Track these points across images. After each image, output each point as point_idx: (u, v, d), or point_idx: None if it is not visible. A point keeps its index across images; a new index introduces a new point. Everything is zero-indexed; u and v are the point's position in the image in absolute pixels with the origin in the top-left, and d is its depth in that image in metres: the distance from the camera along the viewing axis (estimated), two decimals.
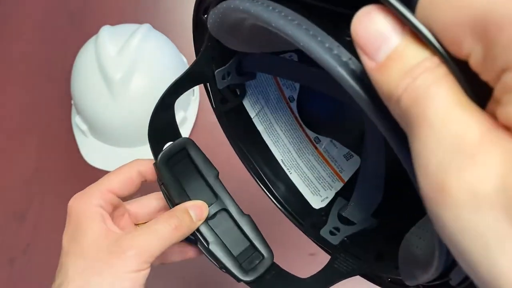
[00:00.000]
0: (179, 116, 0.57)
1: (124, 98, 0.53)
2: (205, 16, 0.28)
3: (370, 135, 0.33)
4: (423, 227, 0.24)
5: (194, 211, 0.32)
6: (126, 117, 0.55)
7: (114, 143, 0.58)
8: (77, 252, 0.29)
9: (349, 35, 0.16)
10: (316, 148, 0.38)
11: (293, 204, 0.36)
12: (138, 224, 0.35)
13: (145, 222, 0.34)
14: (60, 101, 0.61)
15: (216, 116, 0.35)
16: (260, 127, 0.37)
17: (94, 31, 0.55)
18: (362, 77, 0.16)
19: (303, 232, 0.33)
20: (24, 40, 0.66)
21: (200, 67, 0.32)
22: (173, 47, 0.59)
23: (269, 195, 0.36)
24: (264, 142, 0.37)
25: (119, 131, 0.56)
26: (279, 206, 0.36)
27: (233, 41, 0.28)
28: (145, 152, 0.63)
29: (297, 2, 0.20)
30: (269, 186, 0.36)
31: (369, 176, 0.34)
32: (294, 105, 0.38)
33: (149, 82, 0.54)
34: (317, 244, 0.33)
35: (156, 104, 0.31)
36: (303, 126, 0.38)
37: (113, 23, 0.57)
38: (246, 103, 0.37)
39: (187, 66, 0.61)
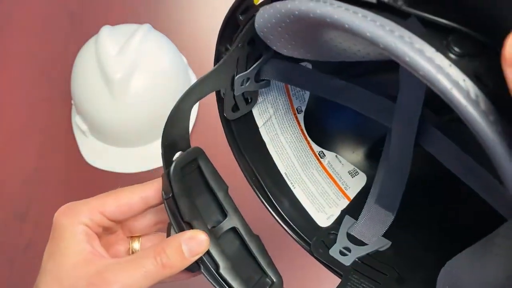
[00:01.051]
0: None
1: (124, 98, 0.53)
2: (242, 15, 0.28)
3: (396, 152, 0.32)
4: (481, 252, 0.23)
5: (190, 245, 0.28)
6: (126, 117, 0.55)
7: (114, 143, 0.58)
8: (54, 274, 0.27)
9: (458, 53, 0.16)
10: (320, 162, 0.37)
11: (298, 221, 0.34)
12: (132, 237, 0.33)
13: (139, 236, 0.33)
14: (60, 101, 0.61)
15: (223, 125, 0.34)
16: (266, 138, 0.36)
17: (94, 31, 0.55)
18: (478, 100, 0.17)
19: (309, 252, 0.31)
20: (24, 40, 0.66)
21: (223, 70, 0.31)
22: (173, 47, 0.59)
23: (272, 210, 0.35)
24: (269, 153, 0.36)
25: (119, 131, 0.56)
26: (282, 223, 0.34)
27: (285, 43, 0.27)
28: (145, 152, 0.64)
29: (389, 10, 0.19)
30: (272, 201, 0.35)
31: (382, 194, 0.34)
32: (301, 117, 0.37)
33: (149, 82, 0.54)
34: (325, 266, 0.32)
35: (171, 112, 0.29)
36: (309, 139, 0.38)
37: (113, 23, 0.57)
38: (255, 112, 0.36)
39: (187, 66, 0.61)
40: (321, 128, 0.39)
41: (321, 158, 0.38)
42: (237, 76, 0.32)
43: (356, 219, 0.35)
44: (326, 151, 0.38)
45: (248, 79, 0.33)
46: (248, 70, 0.32)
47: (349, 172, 0.38)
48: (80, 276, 0.26)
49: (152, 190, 0.30)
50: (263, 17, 0.25)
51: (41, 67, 0.64)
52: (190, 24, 0.67)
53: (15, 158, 0.58)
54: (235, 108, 0.34)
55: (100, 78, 0.53)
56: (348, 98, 0.32)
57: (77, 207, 0.29)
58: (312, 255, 0.31)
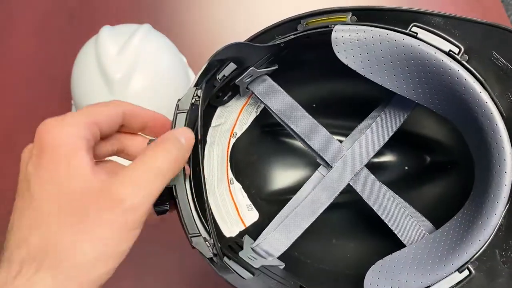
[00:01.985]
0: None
1: (124, 98, 0.52)
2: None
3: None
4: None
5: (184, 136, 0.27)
6: None
7: None
8: (60, 201, 0.22)
9: None
10: (229, 187, 0.42)
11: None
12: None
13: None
14: (60, 101, 0.61)
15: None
16: (208, 139, 0.40)
17: (94, 31, 0.55)
18: None
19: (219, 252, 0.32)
20: (24, 40, 0.66)
21: (262, 49, 0.34)
22: (173, 47, 0.59)
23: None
24: (204, 153, 0.39)
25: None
26: None
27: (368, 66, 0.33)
28: None
29: None
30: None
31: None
32: (232, 141, 0.42)
33: (149, 82, 0.54)
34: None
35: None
36: (229, 162, 0.41)
37: (113, 23, 0.57)
38: (217, 112, 0.39)
39: (187, 66, 0.63)
40: (237, 161, 0.44)
41: (230, 183, 0.42)
42: (252, 67, 0.36)
43: (254, 240, 0.39)
44: (235, 180, 0.43)
45: (251, 76, 0.36)
46: (261, 70, 0.36)
47: (246, 206, 0.43)
48: (90, 197, 0.22)
49: (130, 109, 0.29)
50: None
51: (41, 67, 0.64)
52: (190, 24, 0.67)
53: (15, 158, 0.59)
54: (221, 95, 0.38)
55: (100, 78, 0.53)
56: (302, 127, 0.37)
57: (73, 121, 0.24)
58: (224, 254, 0.33)
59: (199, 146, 0.30)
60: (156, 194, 0.24)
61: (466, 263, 0.30)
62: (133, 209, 0.23)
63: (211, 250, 0.31)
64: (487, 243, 0.30)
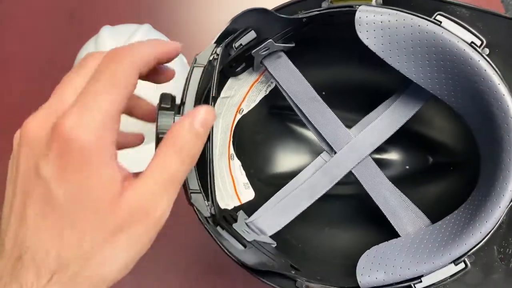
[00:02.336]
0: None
1: None
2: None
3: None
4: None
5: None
6: (125, 117, 0.55)
7: None
8: (93, 213, 0.21)
9: None
10: (229, 162, 0.41)
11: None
12: None
13: None
14: None
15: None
16: (216, 110, 0.40)
17: (94, 31, 0.55)
18: None
19: (213, 221, 0.32)
20: (24, 39, 0.66)
21: (281, 20, 0.34)
22: None
23: None
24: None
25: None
26: None
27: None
28: (145, 151, 0.63)
29: None
30: None
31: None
32: (238, 117, 0.42)
33: (149, 82, 0.54)
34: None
35: None
36: (231, 138, 0.41)
37: (113, 23, 0.57)
38: (228, 83, 0.39)
39: (187, 66, 0.62)
40: (240, 138, 0.44)
41: (231, 159, 0.42)
42: (270, 39, 0.36)
43: (249, 216, 0.39)
44: (236, 157, 0.43)
45: (267, 49, 0.36)
46: (278, 44, 0.36)
47: (243, 184, 0.43)
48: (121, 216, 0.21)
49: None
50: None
51: (41, 67, 0.64)
52: (190, 24, 0.67)
53: None
54: (236, 64, 0.38)
55: None
56: (311, 108, 0.37)
57: (96, 113, 0.21)
58: (217, 224, 0.32)
59: (212, 103, 0.30)
60: (175, 196, 0.24)
61: (464, 254, 0.30)
62: (160, 219, 0.23)
63: (208, 209, 0.30)
64: (486, 238, 0.30)
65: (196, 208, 0.30)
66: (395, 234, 0.37)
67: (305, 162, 0.47)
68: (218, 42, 0.31)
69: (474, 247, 0.30)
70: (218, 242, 0.31)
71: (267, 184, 0.46)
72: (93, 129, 0.21)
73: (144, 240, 0.23)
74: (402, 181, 0.45)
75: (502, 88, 0.29)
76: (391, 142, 0.41)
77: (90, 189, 0.21)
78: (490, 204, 0.29)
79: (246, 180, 0.44)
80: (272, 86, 0.44)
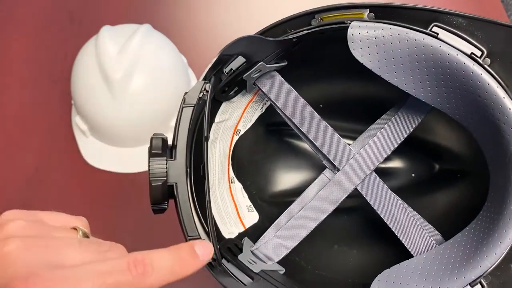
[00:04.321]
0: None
1: (124, 98, 0.53)
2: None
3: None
4: None
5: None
6: (126, 117, 0.55)
7: (114, 143, 0.58)
8: None
9: None
10: (230, 186, 0.40)
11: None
12: None
13: None
14: (60, 101, 0.61)
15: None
16: (212, 135, 0.38)
17: (94, 31, 0.55)
18: None
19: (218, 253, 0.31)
20: (24, 40, 0.65)
21: (271, 45, 0.33)
22: (173, 47, 0.59)
23: None
24: (207, 149, 0.38)
25: (119, 131, 0.56)
26: None
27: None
28: (145, 152, 0.62)
29: None
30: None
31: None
32: (235, 138, 0.40)
33: (149, 82, 0.54)
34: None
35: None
36: (230, 160, 0.40)
37: (113, 23, 0.57)
38: (221, 108, 0.38)
39: (187, 66, 0.62)
40: (239, 159, 0.42)
41: (231, 182, 0.41)
42: (261, 62, 0.35)
43: (254, 243, 0.38)
44: (237, 180, 0.42)
45: (259, 71, 0.35)
46: (270, 65, 0.34)
47: (247, 206, 0.41)
48: None
49: None
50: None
51: (41, 67, 0.63)
52: (190, 24, 0.66)
53: (15, 158, 0.58)
54: (228, 89, 0.37)
55: (100, 78, 0.53)
56: (309, 126, 0.36)
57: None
58: (222, 257, 0.31)
59: (204, 144, 0.29)
60: None
61: (480, 276, 0.29)
62: None
63: None
64: (502, 257, 0.29)
65: None
66: (406, 249, 0.36)
67: (308, 177, 0.46)
68: (206, 77, 0.30)
69: (489, 268, 0.28)
70: (223, 284, 0.30)
71: (270, 204, 0.44)
72: None
73: None
74: (409, 190, 0.44)
75: (508, 102, 0.27)
76: (395, 151, 0.39)
77: None
78: (504, 223, 0.28)
79: (249, 203, 0.43)
80: (268, 103, 0.43)
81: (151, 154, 0.27)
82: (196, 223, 0.29)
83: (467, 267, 0.29)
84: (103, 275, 0.21)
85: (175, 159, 0.27)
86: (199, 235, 0.28)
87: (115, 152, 0.58)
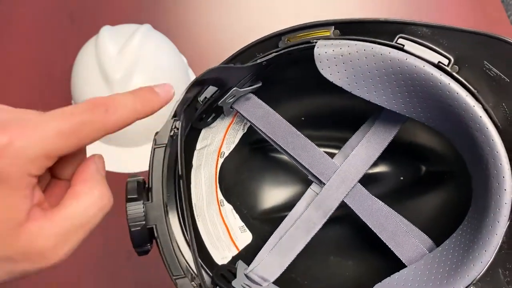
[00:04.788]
0: None
1: None
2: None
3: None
4: None
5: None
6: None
7: (114, 143, 0.58)
8: None
9: None
10: (219, 209, 0.40)
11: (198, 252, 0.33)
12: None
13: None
14: (60, 101, 0.61)
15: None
16: (194, 163, 0.38)
17: (94, 31, 0.55)
18: None
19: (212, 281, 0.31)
20: (24, 40, 0.66)
21: (241, 71, 0.33)
22: (173, 47, 0.59)
23: None
24: (190, 179, 0.38)
25: (119, 131, 0.56)
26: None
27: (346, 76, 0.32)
28: (145, 151, 0.63)
29: None
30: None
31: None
32: (220, 161, 0.40)
33: (149, 82, 0.51)
34: None
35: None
36: (218, 183, 0.40)
37: (113, 23, 0.57)
38: (201, 134, 0.38)
39: (187, 66, 0.61)
40: (227, 181, 0.42)
41: (221, 205, 0.40)
42: (234, 87, 0.35)
43: (248, 265, 0.38)
44: (226, 202, 0.42)
45: (233, 96, 0.35)
46: (244, 89, 0.34)
47: (239, 227, 0.41)
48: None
49: None
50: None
51: (41, 67, 0.64)
52: (190, 24, 0.66)
53: None
54: (205, 117, 0.37)
55: (100, 78, 0.52)
56: (290, 143, 0.36)
57: (25, 149, 0.20)
58: (216, 285, 0.31)
59: (181, 182, 0.28)
60: (79, 242, 0.23)
61: (468, 285, 0.29)
62: (54, 264, 0.22)
63: None
64: (489, 263, 0.29)
65: None
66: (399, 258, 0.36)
67: (297, 191, 0.46)
68: (176, 114, 0.30)
69: (477, 277, 0.28)
70: None
71: (262, 222, 0.44)
72: (15, 166, 0.20)
73: (26, 275, 0.21)
74: (398, 195, 0.44)
75: (478, 110, 0.27)
76: (381, 155, 0.39)
77: None
78: (486, 231, 0.28)
79: (241, 223, 0.43)
80: (249, 123, 0.43)
81: (127, 199, 0.27)
82: (181, 262, 0.28)
83: (455, 276, 0.29)
84: (68, 115, 0.22)
85: (152, 202, 0.27)
86: (185, 274, 0.28)
87: (115, 152, 0.58)
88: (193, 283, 0.28)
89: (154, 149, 0.28)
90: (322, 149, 0.39)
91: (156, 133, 0.29)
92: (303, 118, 0.44)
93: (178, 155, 0.29)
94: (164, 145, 0.28)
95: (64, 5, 0.67)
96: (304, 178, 0.46)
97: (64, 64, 0.60)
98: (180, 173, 0.28)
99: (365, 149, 0.38)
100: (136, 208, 0.27)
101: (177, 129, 0.29)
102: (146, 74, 0.53)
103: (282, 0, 0.67)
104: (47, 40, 0.66)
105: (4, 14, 0.67)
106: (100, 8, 0.67)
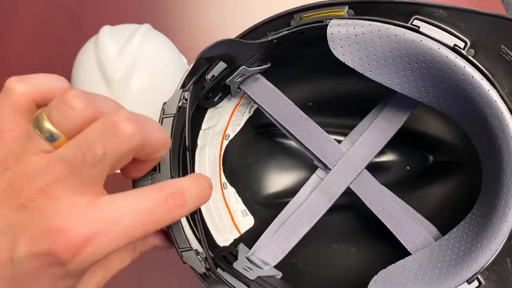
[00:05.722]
0: None
1: (124, 98, 0.52)
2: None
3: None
4: None
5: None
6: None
7: None
8: None
9: None
10: (222, 192, 0.40)
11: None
12: None
13: None
14: None
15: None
16: (199, 142, 0.38)
17: (94, 31, 0.54)
18: None
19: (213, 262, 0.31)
20: (24, 40, 0.65)
21: (251, 47, 0.32)
22: (173, 47, 0.58)
23: None
24: (194, 158, 0.37)
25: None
26: None
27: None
28: None
29: None
30: None
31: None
32: (225, 143, 0.40)
33: (149, 82, 0.53)
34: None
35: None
36: (221, 166, 0.40)
37: (113, 23, 0.56)
38: (207, 114, 0.37)
39: (187, 66, 0.61)
40: (229, 162, 0.42)
41: (224, 188, 0.40)
42: (246, 65, 0.34)
43: (250, 248, 0.37)
44: (229, 185, 0.41)
45: (242, 75, 0.34)
46: (253, 68, 0.34)
47: (241, 211, 0.41)
48: None
49: None
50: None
51: (41, 67, 0.63)
52: (190, 24, 0.66)
53: None
54: (212, 95, 0.36)
55: (100, 78, 0.52)
56: (298, 127, 0.35)
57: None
58: (217, 265, 0.31)
59: (187, 153, 0.28)
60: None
61: (476, 273, 0.28)
62: None
63: (203, 264, 0.29)
64: (497, 252, 0.28)
65: (191, 267, 0.29)
66: (404, 246, 0.36)
67: (301, 177, 0.46)
68: (184, 85, 0.30)
69: (485, 265, 0.28)
70: None
71: (265, 206, 0.44)
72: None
73: None
74: (404, 184, 0.43)
75: (493, 94, 0.27)
76: (388, 144, 0.39)
77: None
78: (496, 219, 0.27)
79: (244, 207, 0.42)
80: (256, 106, 0.42)
81: None
82: (187, 235, 0.28)
83: (462, 264, 0.28)
84: (141, 213, 0.21)
85: (159, 172, 0.27)
86: (191, 247, 0.28)
87: None
88: (198, 256, 0.28)
89: (162, 119, 0.28)
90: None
91: (164, 103, 0.28)
92: (310, 104, 0.43)
93: (185, 126, 0.28)
94: (173, 115, 0.28)
95: (64, 5, 0.67)
96: (309, 165, 0.46)
97: (64, 64, 0.59)
98: (187, 144, 0.27)
99: (373, 135, 0.37)
100: (143, 180, 0.26)
101: (186, 100, 0.28)
102: (146, 74, 0.53)
103: (284, 2, 0.66)
104: (47, 40, 0.65)
105: (4, 14, 0.67)
106: (100, 8, 0.66)
